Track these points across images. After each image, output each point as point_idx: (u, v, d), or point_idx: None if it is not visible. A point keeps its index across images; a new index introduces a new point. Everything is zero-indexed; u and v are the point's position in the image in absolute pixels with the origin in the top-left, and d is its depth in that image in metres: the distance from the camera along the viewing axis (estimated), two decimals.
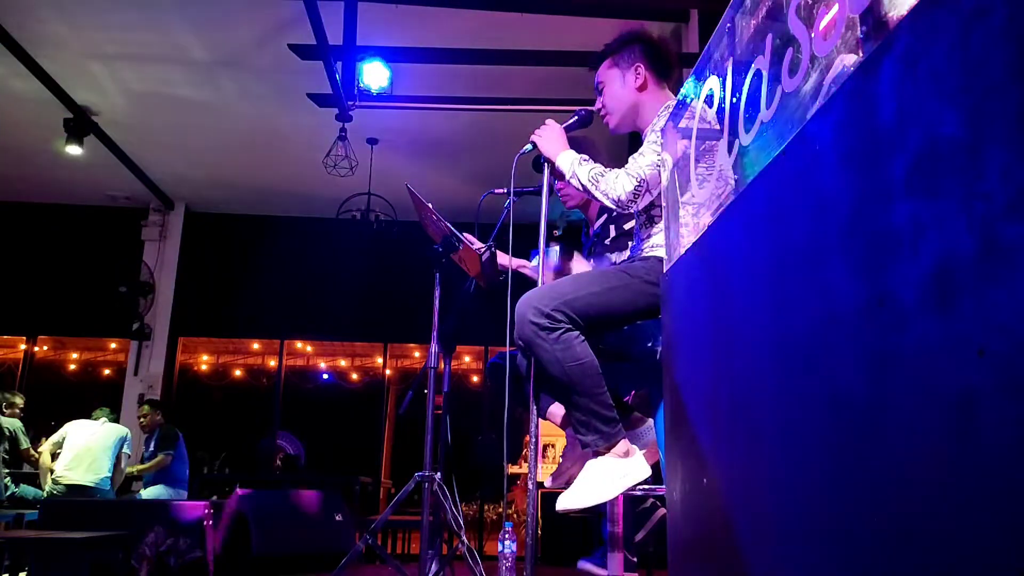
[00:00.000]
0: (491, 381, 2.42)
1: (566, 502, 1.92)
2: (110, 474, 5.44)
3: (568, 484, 2.08)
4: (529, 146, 2.21)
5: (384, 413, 8.79)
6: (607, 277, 2.04)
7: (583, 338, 1.93)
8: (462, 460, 6.94)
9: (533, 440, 2.03)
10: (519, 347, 2.06)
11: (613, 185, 1.99)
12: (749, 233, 1.20)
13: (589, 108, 2.29)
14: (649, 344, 2.11)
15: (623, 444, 1.94)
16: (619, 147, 4.64)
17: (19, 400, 5.83)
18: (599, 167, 2.06)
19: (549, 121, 2.21)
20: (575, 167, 2.08)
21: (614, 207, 2.03)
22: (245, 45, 5.23)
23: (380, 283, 7.71)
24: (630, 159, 2.02)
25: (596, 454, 1.95)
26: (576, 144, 2.22)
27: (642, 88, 2.17)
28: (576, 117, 2.26)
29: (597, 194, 2.03)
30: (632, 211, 2.11)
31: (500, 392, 2.23)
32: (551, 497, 5.76)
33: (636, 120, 2.20)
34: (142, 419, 6.04)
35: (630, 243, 2.40)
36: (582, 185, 2.06)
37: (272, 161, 6.96)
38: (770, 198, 1.13)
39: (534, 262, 2.66)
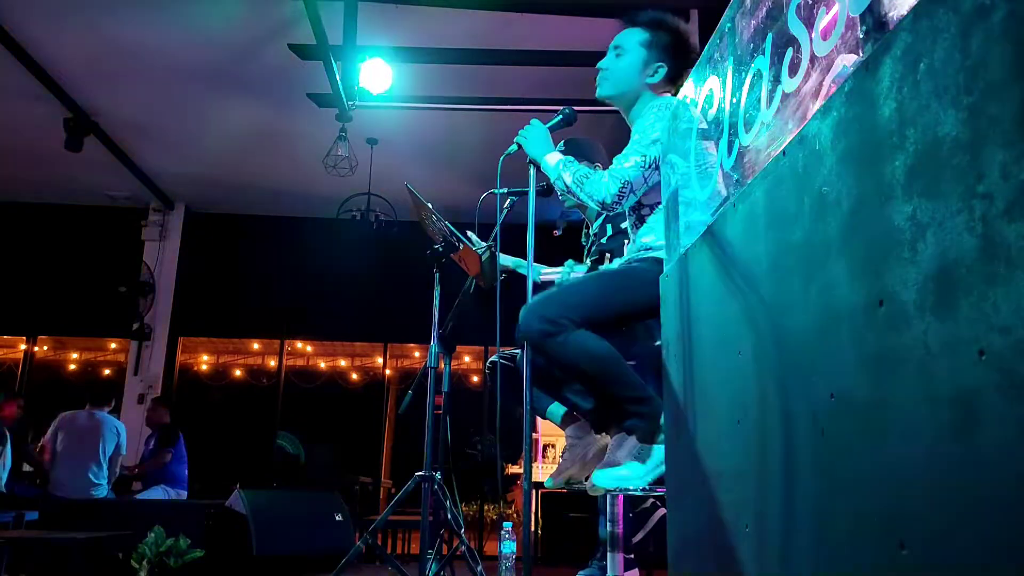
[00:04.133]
0: (491, 381, 2.42)
1: (602, 481, 1.90)
2: (104, 480, 5.43)
3: (568, 484, 2.07)
4: (514, 147, 2.20)
5: (384, 413, 8.78)
6: (607, 280, 2.05)
7: (590, 332, 1.92)
8: (462, 460, 6.94)
9: (528, 440, 2.03)
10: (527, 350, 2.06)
11: (597, 187, 2.00)
12: (749, 233, 1.20)
13: (574, 107, 2.28)
14: (649, 344, 2.11)
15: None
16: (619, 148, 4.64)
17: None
18: (584, 168, 2.05)
19: (534, 121, 2.18)
20: (560, 169, 2.07)
21: (599, 209, 2.04)
22: (245, 45, 5.23)
23: (380, 283, 7.70)
24: (614, 160, 2.02)
25: (642, 440, 1.93)
26: (578, 146, 2.21)
27: (653, 85, 2.16)
28: (560, 116, 2.23)
29: (582, 196, 2.03)
30: (617, 212, 2.11)
31: (500, 391, 2.22)
32: (551, 497, 5.74)
33: (630, 107, 2.19)
34: (149, 414, 6.06)
35: (626, 242, 2.40)
36: (567, 187, 2.05)
37: (272, 161, 6.95)
38: (770, 198, 1.12)
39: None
